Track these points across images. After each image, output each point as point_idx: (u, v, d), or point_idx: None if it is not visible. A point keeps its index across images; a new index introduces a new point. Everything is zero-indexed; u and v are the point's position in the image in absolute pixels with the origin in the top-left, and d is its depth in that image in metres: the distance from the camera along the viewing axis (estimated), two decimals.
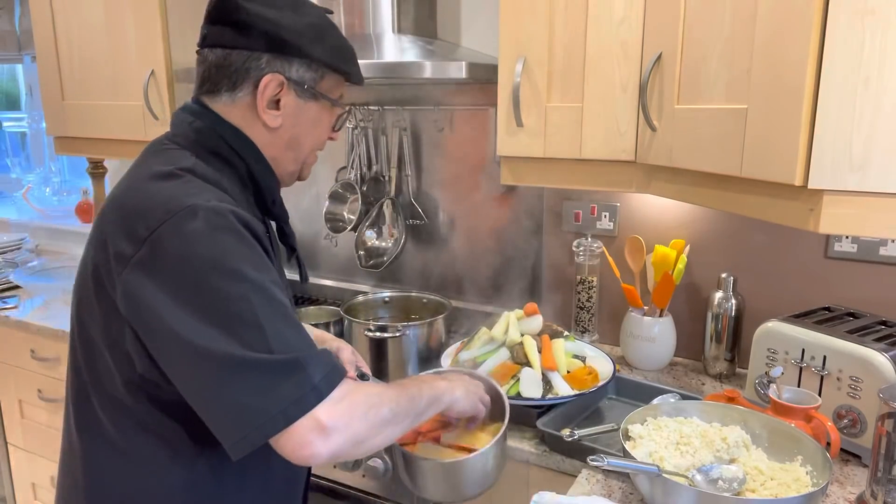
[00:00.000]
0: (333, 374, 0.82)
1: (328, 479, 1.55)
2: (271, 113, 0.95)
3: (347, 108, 1.11)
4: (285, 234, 1.07)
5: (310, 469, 1.18)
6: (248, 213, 0.89)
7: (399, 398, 0.90)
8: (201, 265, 0.79)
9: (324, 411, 0.79)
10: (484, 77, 1.53)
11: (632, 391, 1.46)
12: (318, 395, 0.79)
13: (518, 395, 1.33)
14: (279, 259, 1.04)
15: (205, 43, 0.96)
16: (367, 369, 1.31)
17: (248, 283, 0.80)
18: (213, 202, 0.83)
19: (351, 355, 1.31)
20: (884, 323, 1.30)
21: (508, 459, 1.32)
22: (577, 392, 1.34)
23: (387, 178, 1.97)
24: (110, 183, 2.66)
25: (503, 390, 1.19)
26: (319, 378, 0.80)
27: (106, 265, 0.84)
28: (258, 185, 0.98)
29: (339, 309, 1.79)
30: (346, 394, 0.82)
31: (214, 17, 0.94)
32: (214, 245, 0.80)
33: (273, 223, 1.07)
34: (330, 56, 0.97)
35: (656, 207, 1.69)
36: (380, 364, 1.59)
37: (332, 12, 1.02)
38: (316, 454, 0.79)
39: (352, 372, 1.26)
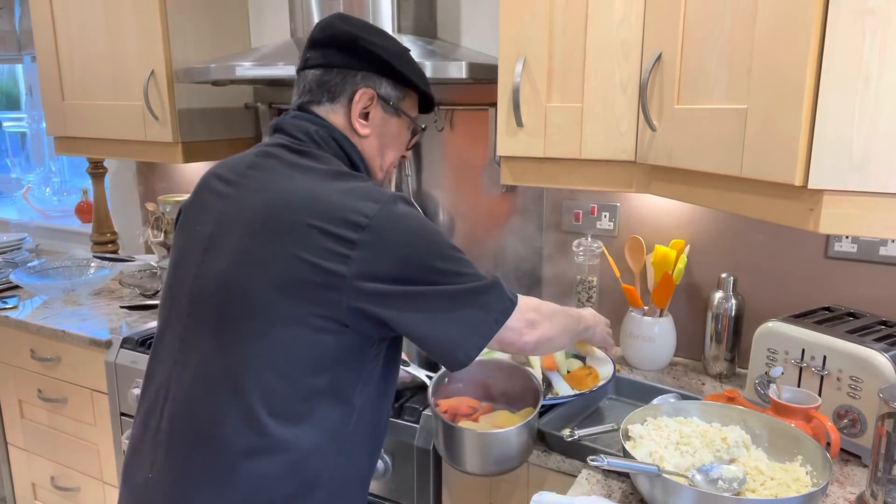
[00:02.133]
0: (515, 291, 1.04)
1: None
2: (361, 122, 1.10)
3: (424, 126, 1.23)
4: None
5: None
6: None
7: (569, 316, 1.18)
8: (418, 236, 0.97)
9: (523, 311, 1.03)
10: (484, 77, 1.53)
11: (632, 391, 1.46)
12: (514, 302, 1.02)
13: None
14: None
15: (306, 66, 1.11)
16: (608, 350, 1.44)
17: (447, 243, 1.00)
18: (396, 193, 1.00)
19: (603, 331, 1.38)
20: (884, 323, 1.30)
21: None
22: (577, 392, 1.34)
23: None
24: (110, 183, 2.66)
25: (537, 378, 1.28)
26: (511, 292, 1.02)
27: (319, 254, 0.94)
28: None
29: None
30: (538, 303, 1.09)
31: (318, 41, 1.10)
32: (417, 221, 0.98)
33: None
34: (413, 76, 1.13)
35: (656, 207, 1.69)
36: None
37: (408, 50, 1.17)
38: (527, 341, 1.04)
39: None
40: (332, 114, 1.10)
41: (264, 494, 0.97)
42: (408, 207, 0.99)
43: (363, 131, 1.10)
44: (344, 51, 1.08)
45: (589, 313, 1.30)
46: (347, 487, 1.06)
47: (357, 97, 1.09)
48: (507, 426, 1.17)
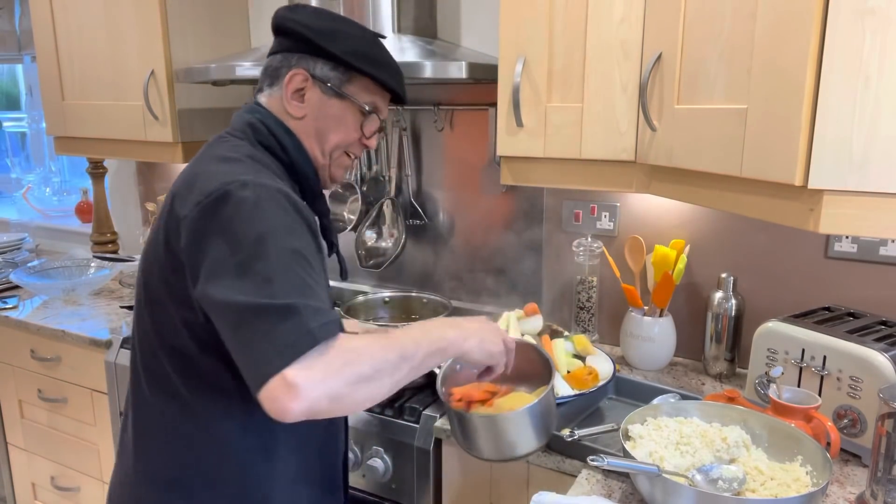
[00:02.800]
0: (331, 325, 0.85)
1: None
2: (294, 103, 1.08)
3: (381, 118, 1.15)
4: (327, 230, 1.15)
5: (347, 418, 1.25)
6: None
7: (387, 352, 0.89)
8: (242, 228, 0.88)
9: (296, 369, 0.80)
10: (484, 77, 1.53)
11: (632, 391, 1.46)
12: (315, 338, 0.83)
13: None
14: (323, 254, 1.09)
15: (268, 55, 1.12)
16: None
17: (277, 245, 0.88)
18: (265, 180, 0.93)
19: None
20: (884, 323, 1.30)
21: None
22: (577, 392, 1.34)
23: (387, 178, 1.97)
24: (110, 183, 2.66)
25: (547, 353, 1.22)
26: (316, 325, 0.83)
27: (175, 229, 0.94)
28: (299, 176, 1.09)
29: (339, 309, 1.79)
30: (327, 349, 0.83)
31: (273, 30, 1.11)
32: (257, 212, 0.89)
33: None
34: (351, 56, 1.07)
35: (656, 207, 1.69)
36: None
37: (384, 37, 1.15)
38: (287, 409, 0.80)
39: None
40: (270, 98, 1.10)
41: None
42: (252, 194, 0.90)
43: (297, 112, 1.08)
44: (280, 35, 1.09)
45: (455, 332, 1.01)
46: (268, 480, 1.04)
47: (288, 78, 1.07)
48: (520, 407, 1.09)
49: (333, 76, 1.08)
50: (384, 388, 0.89)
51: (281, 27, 1.09)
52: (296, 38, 1.07)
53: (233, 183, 0.91)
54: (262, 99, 1.10)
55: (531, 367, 1.21)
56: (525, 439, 1.11)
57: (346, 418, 1.24)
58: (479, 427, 1.11)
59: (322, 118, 1.09)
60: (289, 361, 0.80)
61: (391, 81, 1.12)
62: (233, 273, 0.86)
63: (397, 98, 1.16)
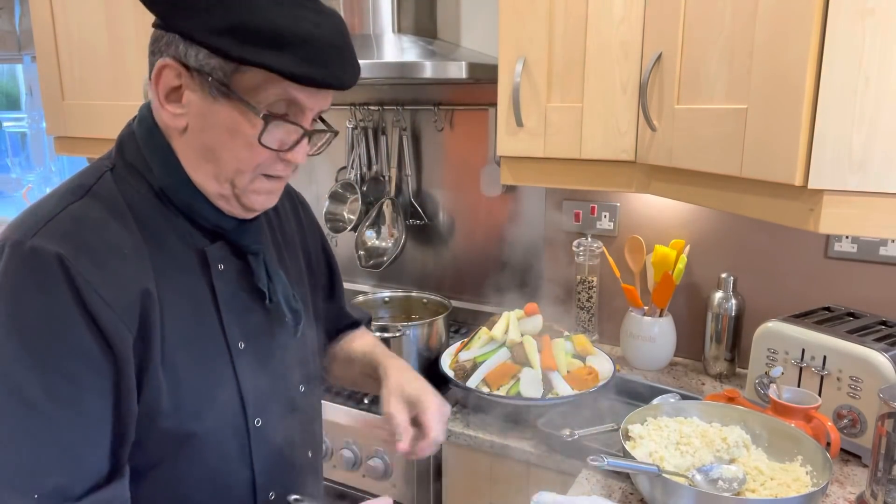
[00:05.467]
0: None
1: (328, 479, 1.55)
2: (168, 108, 0.75)
3: (306, 129, 0.77)
4: (255, 275, 0.84)
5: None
6: (175, 243, 0.77)
7: None
8: None
9: None
10: (484, 77, 1.53)
11: (632, 391, 1.46)
12: None
13: (518, 395, 1.33)
14: (240, 302, 0.83)
15: None
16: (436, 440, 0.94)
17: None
18: (38, 242, 0.67)
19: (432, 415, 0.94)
20: (884, 323, 1.30)
21: (509, 459, 1.33)
22: (577, 392, 1.34)
23: (387, 178, 1.97)
24: None
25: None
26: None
27: None
28: (181, 209, 0.79)
29: None
30: None
31: None
32: None
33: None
34: (231, 38, 0.68)
35: (656, 207, 1.69)
36: None
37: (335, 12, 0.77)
38: None
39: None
40: (153, 100, 0.77)
41: None
42: (14, 267, 0.66)
43: (174, 122, 0.75)
44: (148, 4, 0.74)
45: None
46: None
47: (156, 70, 0.73)
48: None
49: (217, 65, 0.71)
50: None
51: None
52: (153, 8, 0.72)
53: (3, 245, 0.68)
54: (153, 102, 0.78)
55: None
56: None
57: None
58: None
59: (207, 129, 0.74)
60: None
61: (304, 68, 0.70)
62: None
63: (330, 87, 0.74)
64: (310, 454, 0.97)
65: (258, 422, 0.84)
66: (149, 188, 0.78)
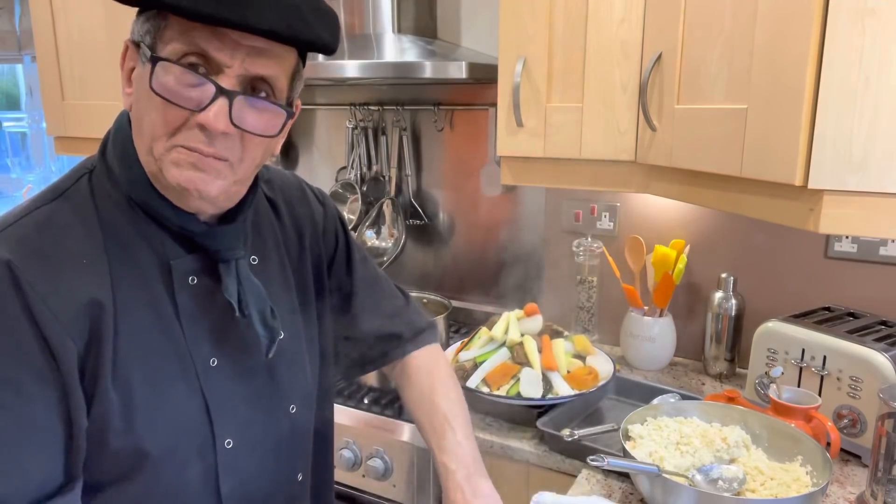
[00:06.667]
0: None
1: None
2: (127, 91, 0.73)
3: (175, 62, 0.68)
4: (221, 279, 0.77)
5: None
6: (149, 253, 0.74)
7: None
8: None
9: None
10: (484, 77, 1.53)
11: (632, 391, 1.46)
12: None
13: (518, 395, 1.33)
14: (213, 316, 0.79)
15: None
16: None
17: None
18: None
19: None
20: (884, 323, 1.30)
21: (509, 459, 1.33)
22: (577, 392, 1.34)
23: (387, 178, 1.97)
24: None
25: None
26: None
27: None
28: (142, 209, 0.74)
29: None
30: None
31: None
32: None
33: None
34: None
35: (656, 207, 1.69)
36: None
37: None
38: None
39: None
40: None
41: None
42: None
43: (127, 102, 0.74)
44: None
45: None
46: None
47: (122, 54, 0.74)
48: None
49: (146, 31, 0.69)
50: None
51: None
52: None
53: None
54: None
55: None
56: None
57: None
58: None
59: (140, 99, 0.71)
60: None
61: (192, 2, 0.63)
62: None
63: (227, 24, 0.64)
64: (300, 477, 0.92)
65: (229, 443, 0.79)
66: (122, 193, 0.74)
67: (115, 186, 0.74)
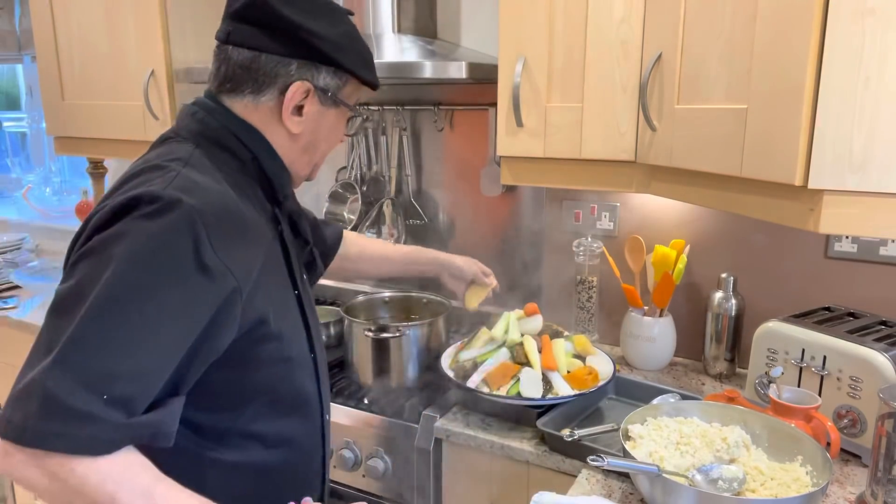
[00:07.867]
0: (101, 442, 0.73)
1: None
2: (294, 119, 0.95)
3: (364, 114, 1.15)
4: (298, 228, 1.09)
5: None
6: (256, 204, 0.95)
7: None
8: (114, 263, 0.76)
9: (16, 450, 0.73)
10: (484, 77, 1.53)
11: (632, 391, 1.46)
12: (58, 444, 0.72)
13: (518, 395, 1.33)
14: (294, 251, 1.05)
15: (229, 39, 0.93)
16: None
17: (139, 296, 0.76)
18: (169, 190, 0.79)
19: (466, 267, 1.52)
20: (884, 323, 1.30)
21: (509, 459, 1.33)
22: (577, 392, 1.34)
23: (387, 178, 1.97)
24: (110, 183, 2.66)
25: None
26: (74, 432, 0.72)
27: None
28: (269, 181, 0.98)
29: (339, 309, 1.79)
30: (62, 465, 0.73)
31: (243, 16, 0.91)
32: (135, 250, 0.77)
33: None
34: (356, 64, 0.96)
35: (656, 207, 1.69)
36: (381, 364, 1.59)
37: (353, 14, 1.00)
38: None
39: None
40: (250, 108, 0.94)
41: None
42: (154, 225, 0.77)
43: (296, 129, 0.95)
44: (279, 37, 0.91)
45: None
46: None
47: (291, 92, 0.92)
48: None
49: (333, 84, 0.96)
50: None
51: (275, 27, 0.90)
52: (303, 46, 0.91)
53: (143, 196, 0.79)
54: (235, 106, 0.94)
55: None
56: None
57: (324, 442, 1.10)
58: None
59: (318, 130, 0.99)
60: (13, 438, 0.73)
61: (375, 77, 1.02)
62: (53, 312, 0.80)
63: (373, 85, 1.03)
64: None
65: (314, 353, 1.05)
66: (239, 162, 0.94)
67: (227, 157, 0.93)
